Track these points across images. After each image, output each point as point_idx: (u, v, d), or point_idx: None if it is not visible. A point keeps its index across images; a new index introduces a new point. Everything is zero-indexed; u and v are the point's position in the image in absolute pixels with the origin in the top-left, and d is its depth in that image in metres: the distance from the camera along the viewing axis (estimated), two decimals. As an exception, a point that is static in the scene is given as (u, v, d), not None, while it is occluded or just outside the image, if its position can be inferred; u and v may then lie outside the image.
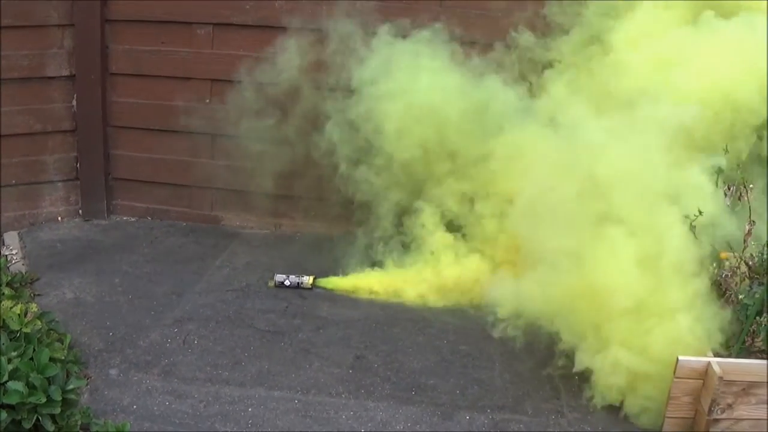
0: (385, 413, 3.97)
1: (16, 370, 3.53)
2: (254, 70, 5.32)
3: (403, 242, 5.23)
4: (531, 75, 5.18)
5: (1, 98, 5.33)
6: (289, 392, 4.09)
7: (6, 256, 5.19)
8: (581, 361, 4.07)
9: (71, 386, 3.69)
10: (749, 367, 3.64)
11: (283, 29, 5.35)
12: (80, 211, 5.88)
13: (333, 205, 5.71)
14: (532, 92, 5.13)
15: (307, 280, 5.08)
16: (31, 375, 3.54)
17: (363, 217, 5.42)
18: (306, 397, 4.06)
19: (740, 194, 3.89)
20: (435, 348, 4.51)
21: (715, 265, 4.00)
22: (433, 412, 4.00)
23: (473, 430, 3.90)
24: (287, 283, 5.07)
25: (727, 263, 4.00)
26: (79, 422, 3.64)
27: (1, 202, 5.55)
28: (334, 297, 5.03)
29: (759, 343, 3.85)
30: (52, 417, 3.53)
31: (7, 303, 4.00)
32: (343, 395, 4.09)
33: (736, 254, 4.00)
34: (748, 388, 3.63)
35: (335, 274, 5.18)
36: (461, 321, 4.78)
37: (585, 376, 4.15)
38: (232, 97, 5.47)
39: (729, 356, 3.82)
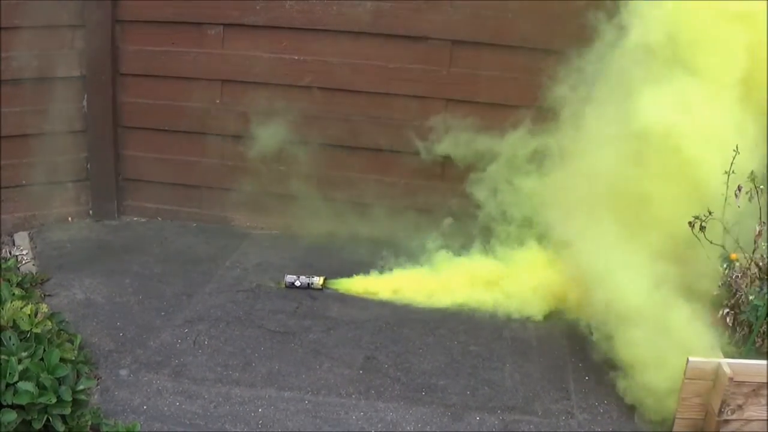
0: (395, 414, 3.97)
1: (26, 370, 3.54)
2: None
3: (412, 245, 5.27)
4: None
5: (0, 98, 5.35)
6: (300, 393, 4.09)
7: (16, 256, 5.20)
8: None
9: (81, 387, 3.71)
10: (759, 368, 3.62)
11: (293, 30, 5.39)
12: (90, 212, 5.89)
13: (343, 206, 5.72)
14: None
15: (318, 280, 5.08)
16: (42, 375, 3.55)
17: (375, 218, 5.45)
18: (316, 398, 4.06)
19: (751, 195, 3.87)
20: (445, 349, 4.50)
21: (725, 266, 3.99)
22: (443, 412, 4.00)
23: (483, 430, 3.90)
24: (297, 283, 5.07)
25: (737, 264, 3.99)
26: (90, 422, 3.65)
27: (12, 202, 5.56)
28: (344, 298, 5.03)
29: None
30: (63, 417, 3.55)
31: (17, 303, 4.00)
32: (353, 396, 4.09)
33: (746, 255, 3.99)
34: (758, 389, 3.61)
35: (345, 274, 5.18)
36: (471, 322, 4.77)
37: (596, 378, 4.17)
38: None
39: (739, 357, 3.82)
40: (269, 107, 5.55)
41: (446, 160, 5.39)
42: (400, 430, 3.87)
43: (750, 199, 3.85)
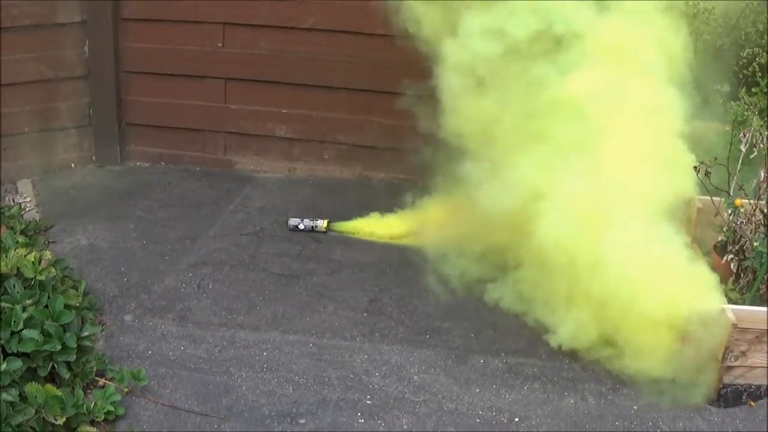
0: (399, 356, 4.00)
1: (30, 318, 3.54)
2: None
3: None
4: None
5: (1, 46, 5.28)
6: (304, 336, 4.12)
7: (20, 204, 5.19)
8: None
9: (86, 333, 3.73)
10: (763, 314, 3.62)
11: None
12: (93, 158, 5.87)
13: (347, 149, 5.71)
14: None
15: (322, 223, 5.09)
16: (46, 322, 3.56)
17: (378, 161, 5.44)
18: (321, 341, 4.08)
19: (756, 141, 3.85)
20: (449, 291, 4.50)
21: (730, 212, 3.97)
22: (447, 355, 4.02)
23: (487, 373, 3.91)
24: (301, 226, 5.08)
25: (742, 210, 3.97)
26: (95, 368, 3.67)
27: (15, 150, 5.53)
28: (348, 240, 5.04)
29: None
30: (68, 364, 3.56)
31: (21, 251, 3.99)
32: (358, 338, 4.12)
33: (751, 201, 3.97)
34: (761, 336, 3.61)
35: (349, 217, 5.18)
36: (476, 264, 4.76)
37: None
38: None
39: (743, 304, 3.82)
40: (271, 49, 5.53)
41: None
42: (404, 372, 3.89)
43: (754, 146, 3.83)
